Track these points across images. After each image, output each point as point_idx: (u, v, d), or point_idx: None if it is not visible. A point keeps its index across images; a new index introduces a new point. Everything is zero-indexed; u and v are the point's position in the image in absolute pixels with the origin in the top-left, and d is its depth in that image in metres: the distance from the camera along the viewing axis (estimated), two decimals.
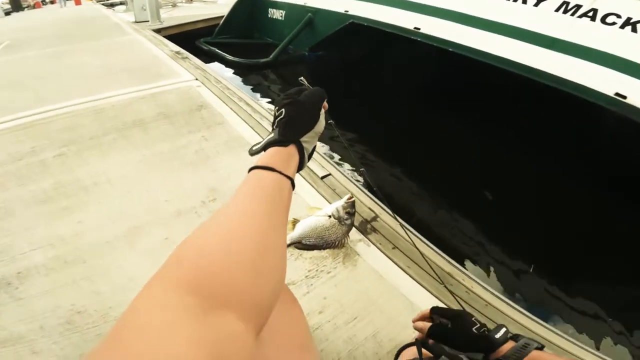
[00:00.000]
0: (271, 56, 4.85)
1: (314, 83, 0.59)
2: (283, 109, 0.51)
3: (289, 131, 0.49)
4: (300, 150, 0.49)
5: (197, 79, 2.79)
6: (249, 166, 0.44)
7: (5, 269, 1.11)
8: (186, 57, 3.39)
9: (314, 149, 0.55)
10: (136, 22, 5.67)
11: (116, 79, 2.86)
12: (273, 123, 0.52)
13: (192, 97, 2.49)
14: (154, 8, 5.68)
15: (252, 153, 0.50)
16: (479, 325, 0.58)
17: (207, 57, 5.20)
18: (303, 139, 0.50)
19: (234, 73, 4.80)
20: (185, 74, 2.92)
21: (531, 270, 1.89)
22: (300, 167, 0.51)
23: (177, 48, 3.64)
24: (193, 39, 5.66)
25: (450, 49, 3.10)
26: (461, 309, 0.66)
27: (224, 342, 0.24)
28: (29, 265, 1.12)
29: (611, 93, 2.15)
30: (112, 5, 9.50)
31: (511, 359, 0.50)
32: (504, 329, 0.56)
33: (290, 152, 0.48)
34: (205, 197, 1.47)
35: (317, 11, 4.75)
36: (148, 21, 5.67)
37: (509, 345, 0.53)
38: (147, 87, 2.65)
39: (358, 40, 4.59)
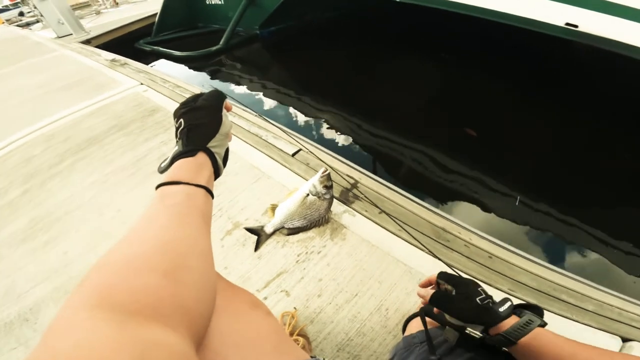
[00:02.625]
0: (221, 42, 4.57)
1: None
2: (181, 119, 0.49)
3: (192, 140, 0.47)
4: (211, 156, 0.48)
5: (142, 84, 2.57)
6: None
7: (17, 308, 1.11)
8: (124, 63, 3.12)
9: (227, 151, 0.54)
10: (59, 37, 5.16)
11: (57, 99, 2.62)
12: (176, 135, 0.49)
13: (141, 103, 2.30)
14: (72, 19, 5.16)
15: (161, 171, 0.47)
16: (483, 296, 0.54)
17: (154, 58, 4.88)
18: (210, 144, 0.48)
19: (189, 68, 4.51)
20: (128, 80, 2.69)
21: (517, 204, 1.89)
22: (217, 172, 0.50)
23: (111, 56, 3.34)
24: (132, 43, 5.26)
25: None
26: (469, 278, 0.63)
27: (146, 350, 0.23)
28: (36, 300, 1.12)
29: (562, 23, 2.29)
30: (27, 24, 8.62)
31: (512, 336, 0.48)
32: (508, 303, 0.52)
33: (199, 161, 0.46)
34: None
35: None
36: (72, 34, 5.18)
37: (512, 320, 0.50)
38: (92, 102, 2.44)
39: (308, 6, 4.40)
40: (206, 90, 0.60)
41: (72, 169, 1.74)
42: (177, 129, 0.49)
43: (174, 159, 0.46)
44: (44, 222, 1.44)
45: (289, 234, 1.18)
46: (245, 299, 0.47)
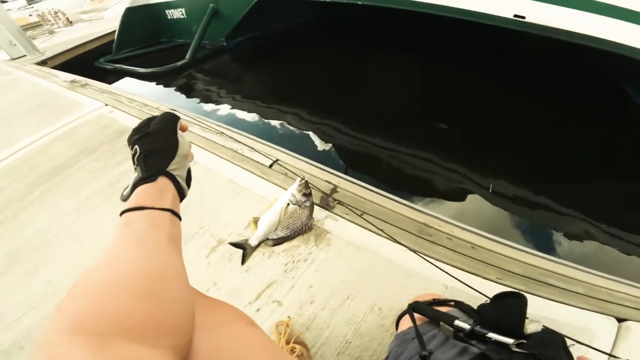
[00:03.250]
0: (187, 57, 4.48)
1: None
2: (136, 146, 0.49)
3: (151, 165, 0.47)
4: (172, 179, 0.48)
5: (107, 104, 2.48)
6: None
7: (10, 335, 1.10)
8: (85, 84, 2.99)
9: (189, 171, 0.54)
10: (12, 59, 4.88)
11: (18, 127, 2.48)
12: (133, 162, 0.49)
13: (107, 124, 2.22)
14: (24, 40, 4.89)
15: (124, 199, 0.46)
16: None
17: (116, 77, 4.71)
18: (170, 167, 0.49)
19: (156, 84, 4.39)
20: (91, 102, 2.59)
21: (490, 191, 2.00)
22: (181, 193, 0.50)
23: (71, 76, 3.19)
24: (91, 62, 5.04)
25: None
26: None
27: None
28: (28, 328, 1.12)
29: (511, 15, 2.45)
30: None
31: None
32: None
33: (160, 186, 0.46)
34: None
35: (217, 0, 4.45)
36: (26, 55, 4.91)
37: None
38: (56, 127, 2.32)
39: (274, 15, 4.43)
40: (167, 109, 0.61)
41: (43, 198, 1.68)
42: (133, 155, 0.49)
43: (135, 185, 0.46)
44: (21, 253, 1.40)
45: (274, 245, 1.19)
46: (225, 312, 0.47)
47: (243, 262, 1.16)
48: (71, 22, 7.71)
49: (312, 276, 1.08)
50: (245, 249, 1.19)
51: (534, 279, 1.05)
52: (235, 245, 1.20)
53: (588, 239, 1.78)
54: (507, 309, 0.55)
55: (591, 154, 2.33)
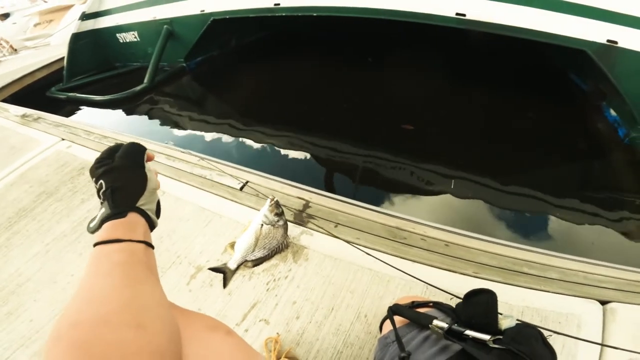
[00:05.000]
0: (145, 80, 4.34)
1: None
2: (101, 180, 0.47)
3: (119, 202, 0.46)
4: (143, 213, 0.48)
5: (63, 139, 2.38)
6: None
7: None
8: (38, 118, 2.83)
9: (158, 203, 0.53)
10: None
11: None
12: (99, 196, 0.47)
13: (66, 162, 2.13)
14: None
15: (92, 231, 0.46)
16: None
17: (72, 107, 4.47)
18: (139, 203, 0.48)
19: (116, 111, 4.21)
20: (46, 138, 2.46)
21: (452, 187, 2.13)
22: (152, 226, 0.50)
23: (21, 110, 3.00)
24: (42, 92, 4.77)
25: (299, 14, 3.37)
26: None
27: None
28: None
29: (453, 14, 2.61)
30: None
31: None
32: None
33: (131, 221, 0.46)
34: None
35: (171, 21, 4.38)
36: None
37: None
38: (10, 170, 2.18)
39: (232, 32, 4.43)
40: (128, 139, 0.61)
41: (9, 244, 1.61)
42: (98, 190, 0.47)
43: (103, 220, 0.45)
44: None
45: (253, 266, 1.20)
46: (201, 322, 0.48)
47: (225, 285, 1.17)
48: (16, 50, 7.26)
49: (294, 292, 1.11)
50: (225, 273, 1.20)
51: (509, 269, 1.09)
52: (215, 270, 1.21)
53: (556, 221, 1.88)
54: (477, 307, 0.57)
55: (545, 138, 2.53)
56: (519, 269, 1.09)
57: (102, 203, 0.47)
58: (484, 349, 0.50)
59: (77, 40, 4.91)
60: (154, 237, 0.51)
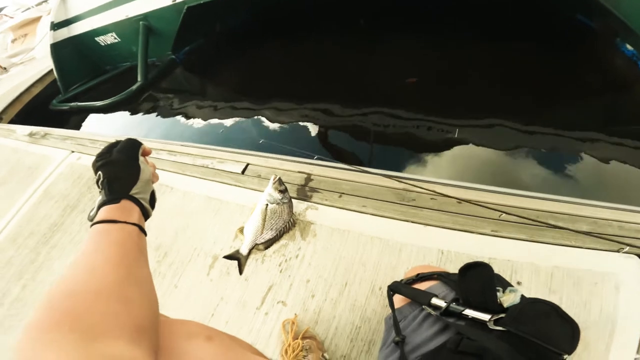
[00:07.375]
0: (139, 79, 4.31)
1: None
2: (100, 172, 0.53)
3: (114, 190, 0.52)
4: (137, 202, 0.53)
5: (73, 152, 2.44)
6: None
7: None
8: (45, 134, 2.90)
9: (153, 194, 0.59)
10: None
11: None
12: (97, 186, 0.54)
13: (80, 174, 2.19)
14: None
15: (90, 219, 0.50)
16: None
17: (78, 116, 4.55)
18: (133, 192, 0.53)
19: (121, 114, 4.26)
20: (57, 153, 2.53)
21: (456, 135, 2.00)
22: (146, 215, 0.55)
23: (28, 129, 3.07)
24: (45, 107, 4.84)
25: None
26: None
27: None
28: None
29: None
30: None
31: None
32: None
33: (125, 207, 0.51)
34: (155, 257, 1.37)
35: (146, 16, 4.23)
36: None
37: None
38: (33, 190, 2.29)
39: (213, 17, 4.25)
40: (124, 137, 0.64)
41: (50, 257, 1.73)
42: (97, 180, 0.54)
43: (100, 206, 0.50)
44: None
45: (265, 249, 1.23)
46: (180, 331, 0.49)
47: (240, 272, 1.21)
48: (5, 69, 7.30)
49: (307, 271, 1.12)
50: (239, 259, 1.23)
51: (533, 224, 0.95)
52: (229, 257, 1.24)
53: (582, 163, 1.65)
54: (472, 283, 0.53)
55: (562, 79, 2.30)
56: (545, 221, 0.95)
57: (100, 192, 0.53)
58: (484, 330, 0.46)
59: (57, 51, 4.85)
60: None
